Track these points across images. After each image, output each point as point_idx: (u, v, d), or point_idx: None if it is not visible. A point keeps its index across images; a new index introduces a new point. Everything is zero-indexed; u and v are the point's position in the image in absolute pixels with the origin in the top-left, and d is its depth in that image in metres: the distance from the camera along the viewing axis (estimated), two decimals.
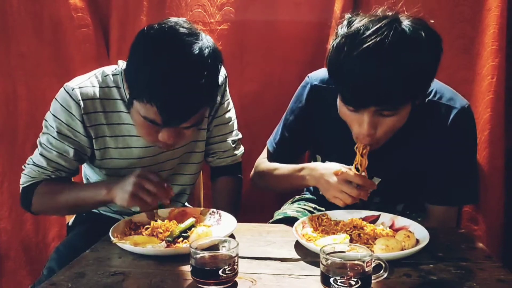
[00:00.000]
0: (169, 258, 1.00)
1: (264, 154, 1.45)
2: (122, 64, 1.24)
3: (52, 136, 1.22)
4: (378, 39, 1.01)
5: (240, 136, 1.48)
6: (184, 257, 0.94)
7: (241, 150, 1.48)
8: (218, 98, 1.35)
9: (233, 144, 1.44)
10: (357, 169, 1.17)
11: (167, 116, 1.07)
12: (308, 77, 1.35)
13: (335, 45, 1.09)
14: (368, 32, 1.02)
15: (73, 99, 1.19)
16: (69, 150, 1.22)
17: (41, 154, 1.24)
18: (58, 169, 1.24)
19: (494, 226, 1.70)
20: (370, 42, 1.01)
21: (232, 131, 1.44)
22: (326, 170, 1.17)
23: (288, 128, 1.38)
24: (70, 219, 1.48)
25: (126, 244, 1.03)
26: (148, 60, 1.06)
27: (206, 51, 1.07)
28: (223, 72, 1.37)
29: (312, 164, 1.26)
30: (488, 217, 1.69)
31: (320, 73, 1.34)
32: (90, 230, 1.30)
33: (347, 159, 1.24)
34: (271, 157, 1.41)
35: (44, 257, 1.82)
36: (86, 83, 1.23)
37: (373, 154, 1.19)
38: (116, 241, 1.04)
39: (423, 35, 1.04)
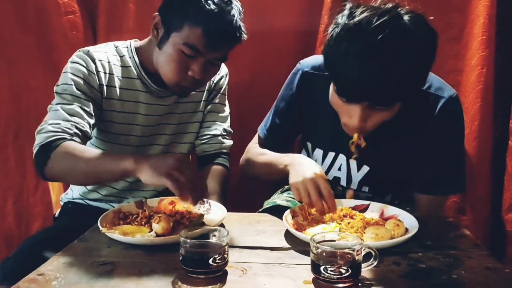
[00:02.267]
0: (159, 248, 0.99)
1: (255, 140, 1.45)
2: (130, 41, 1.36)
3: (69, 93, 1.22)
4: (379, 37, 0.99)
5: (231, 130, 1.51)
6: (173, 246, 0.94)
7: (230, 141, 1.50)
8: (222, 84, 1.48)
9: (223, 132, 1.48)
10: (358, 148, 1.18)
11: (210, 38, 1.18)
12: (299, 63, 1.35)
13: (334, 35, 1.07)
14: (369, 28, 1.01)
15: (90, 58, 1.27)
16: (88, 104, 1.24)
17: (60, 110, 1.19)
18: (78, 122, 1.19)
19: (481, 216, 1.71)
20: (371, 40, 1.00)
21: (224, 122, 1.49)
22: (307, 167, 1.15)
23: (279, 114, 1.38)
24: (57, 210, 1.47)
25: (115, 234, 1.02)
26: None
27: None
28: (224, 69, 1.47)
29: (297, 156, 1.24)
30: (476, 207, 1.71)
31: (311, 60, 1.33)
32: (75, 221, 1.29)
33: (337, 146, 1.27)
34: (262, 144, 1.42)
35: None
36: (99, 49, 1.32)
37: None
38: (105, 230, 1.03)
39: (423, 33, 1.04)
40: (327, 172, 1.35)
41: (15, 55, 1.76)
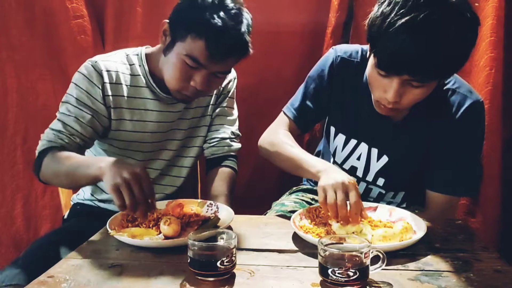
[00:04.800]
0: (167, 250, 1.00)
1: (280, 121, 1.40)
2: (142, 48, 1.36)
3: (71, 104, 1.26)
4: (428, 11, 1.02)
5: (239, 133, 1.52)
6: (182, 249, 0.94)
7: (238, 144, 1.50)
8: (231, 87, 1.48)
9: (231, 135, 1.48)
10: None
11: (213, 51, 1.17)
12: (333, 48, 1.36)
13: (382, 9, 1.09)
14: (418, 2, 1.03)
15: (96, 70, 1.28)
16: (86, 116, 1.26)
17: (58, 120, 1.26)
18: (72, 133, 1.24)
19: (491, 218, 1.70)
20: (419, 13, 1.02)
21: (232, 125, 1.50)
22: (341, 174, 1.11)
23: (309, 96, 1.37)
24: (66, 212, 1.48)
25: (124, 236, 1.02)
26: None
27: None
28: (233, 73, 1.47)
29: (331, 165, 1.21)
30: (485, 209, 1.70)
31: (345, 47, 1.36)
32: (83, 223, 1.30)
33: (360, 134, 1.29)
34: (289, 124, 1.38)
35: None
36: (109, 58, 1.33)
37: (385, 130, 1.25)
38: (113, 233, 1.03)
39: (469, 14, 1.06)
40: (345, 160, 1.36)
41: (24, 59, 1.77)
